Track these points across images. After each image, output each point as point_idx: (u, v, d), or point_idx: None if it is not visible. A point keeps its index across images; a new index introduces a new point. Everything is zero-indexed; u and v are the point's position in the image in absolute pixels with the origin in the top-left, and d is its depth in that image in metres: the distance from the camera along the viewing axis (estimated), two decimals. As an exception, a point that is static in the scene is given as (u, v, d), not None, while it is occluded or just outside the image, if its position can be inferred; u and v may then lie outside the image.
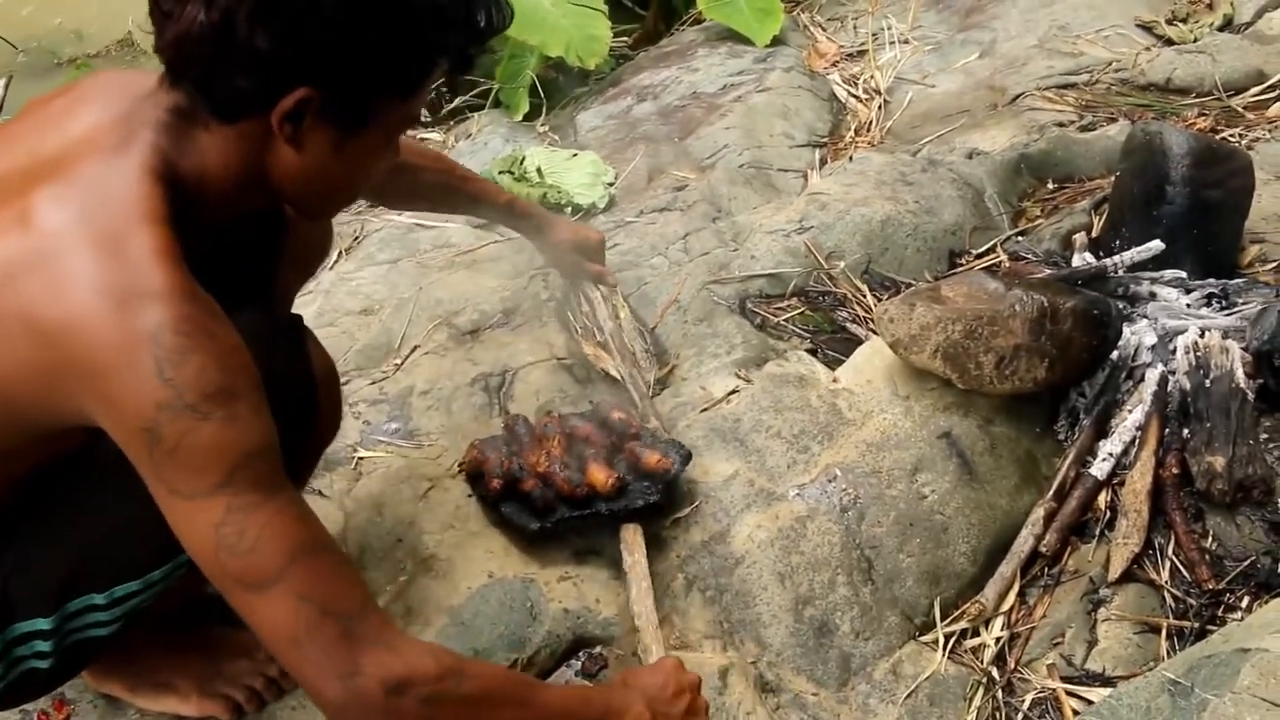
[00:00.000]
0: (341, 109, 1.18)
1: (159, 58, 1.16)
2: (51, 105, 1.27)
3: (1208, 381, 2.06)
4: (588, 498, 1.84)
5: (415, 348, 2.34)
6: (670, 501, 1.92)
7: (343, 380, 2.25)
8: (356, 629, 1.14)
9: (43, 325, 1.09)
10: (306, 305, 2.51)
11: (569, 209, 2.75)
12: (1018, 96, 3.11)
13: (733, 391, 2.14)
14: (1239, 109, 3.06)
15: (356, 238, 2.80)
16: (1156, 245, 2.35)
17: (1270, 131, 2.96)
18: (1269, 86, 3.11)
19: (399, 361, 2.31)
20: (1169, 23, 3.49)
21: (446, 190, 1.92)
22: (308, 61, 1.13)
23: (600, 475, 1.84)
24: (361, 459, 2.07)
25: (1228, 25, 3.50)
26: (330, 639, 1.13)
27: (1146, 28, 3.48)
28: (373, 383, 2.27)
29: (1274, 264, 2.47)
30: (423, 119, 3.97)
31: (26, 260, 1.10)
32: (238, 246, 1.27)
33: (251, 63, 1.11)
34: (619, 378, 2.18)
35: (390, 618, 1.19)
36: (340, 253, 2.74)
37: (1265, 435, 2.04)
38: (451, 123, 3.66)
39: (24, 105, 1.31)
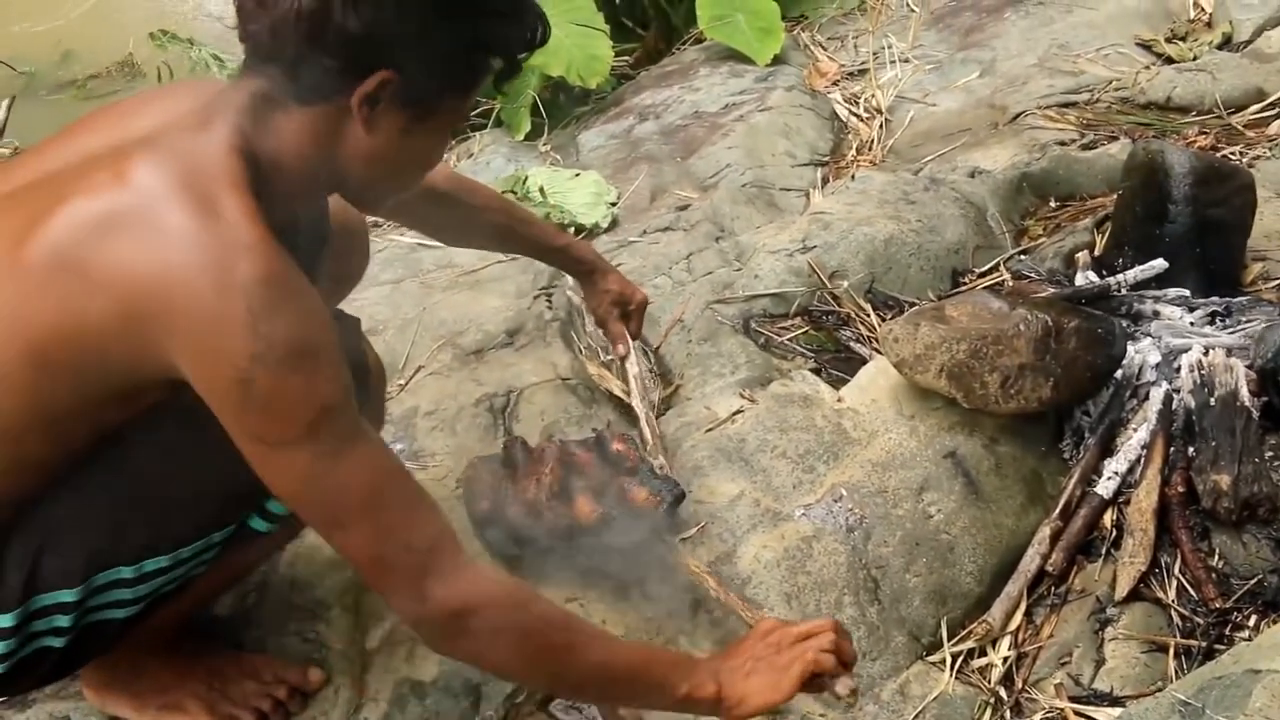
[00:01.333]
0: (414, 94, 1.25)
1: (246, 44, 1.23)
2: (123, 104, 1.36)
3: (1212, 400, 2.06)
4: (568, 529, 1.83)
5: (419, 368, 2.34)
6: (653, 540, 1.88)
7: (347, 401, 2.26)
8: (430, 561, 1.25)
9: (138, 277, 1.14)
10: (310, 326, 2.51)
11: (572, 228, 2.75)
12: (1019, 115, 3.12)
13: (737, 411, 2.14)
14: (1239, 127, 3.07)
15: (359, 258, 2.80)
16: (1159, 264, 2.36)
17: (1271, 149, 2.96)
18: (1269, 104, 3.12)
19: (403, 382, 2.31)
20: (1168, 41, 3.50)
21: (508, 232, 1.95)
22: (392, 45, 1.20)
23: (584, 509, 1.84)
24: (366, 480, 2.07)
25: (1227, 43, 3.51)
26: (406, 568, 1.25)
27: (1146, 46, 3.50)
28: (377, 404, 2.27)
29: (1277, 281, 2.47)
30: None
31: (124, 216, 1.16)
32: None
33: (341, 45, 1.18)
34: (624, 398, 2.18)
35: (462, 550, 1.29)
36: (343, 273, 2.74)
37: (1270, 453, 2.04)
38: (453, 142, 3.66)
39: (86, 114, 1.37)
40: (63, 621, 1.31)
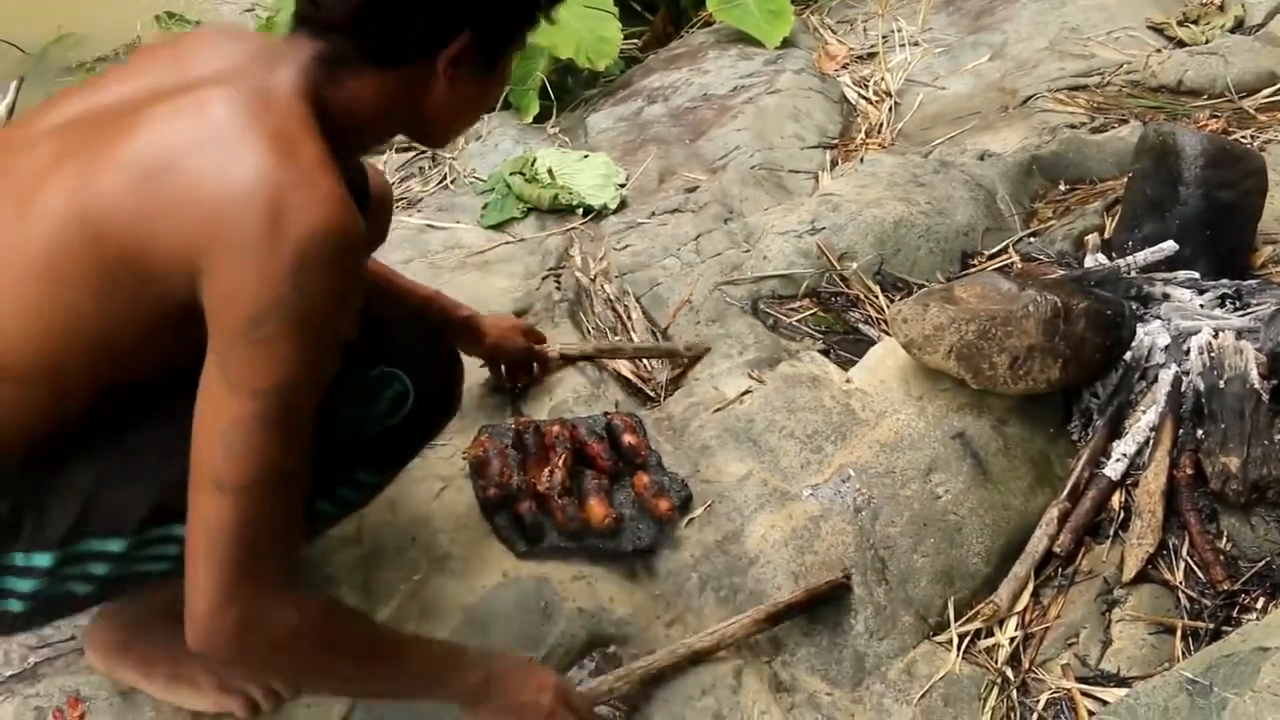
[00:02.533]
0: (492, 48, 1.34)
1: (319, 14, 1.27)
2: (176, 46, 1.37)
3: (1222, 382, 2.05)
4: (580, 531, 1.84)
5: (428, 348, 2.34)
6: (660, 548, 1.89)
7: (355, 380, 2.26)
8: (262, 567, 1.22)
9: (207, 199, 1.17)
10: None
11: (580, 210, 2.75)
12: (1029, 98, 3.11)
13: (746, 392, 2.14)
14: (1251, 111, 3.05)
15: (368, 239, 2.80)
16: (1170, 246, 2.35)
17: (1282, 133, 2.95)
18: (1280, 88, 3.11)
19: (412, 362, 2.31)
20: (1180, 24, 3.48)
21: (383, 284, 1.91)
22: (472, 9, 1.29)
23: (598, 511, 1.84)
24: (375, 459, 2.07)
25: (1239, 27, 3.49)
26: (239, 559, 1.20)
27: (1157, 29, 3.47)
28: (385, 383, 2.27)
29: (1288, 264, 2.47)
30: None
31: (203, 140, 1.19)
32: None
33: (425, 14, 1.26)
34: (632, 379, 2.19)
35: (297, 584, 1.27)
36: (352, 254, 2.74)
37: (1279, 436, 2.03)
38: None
39: (136, 52, 1.41)
40: (100, 570, 1.31)
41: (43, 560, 1.27)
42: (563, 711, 1.50)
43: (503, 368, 2.15)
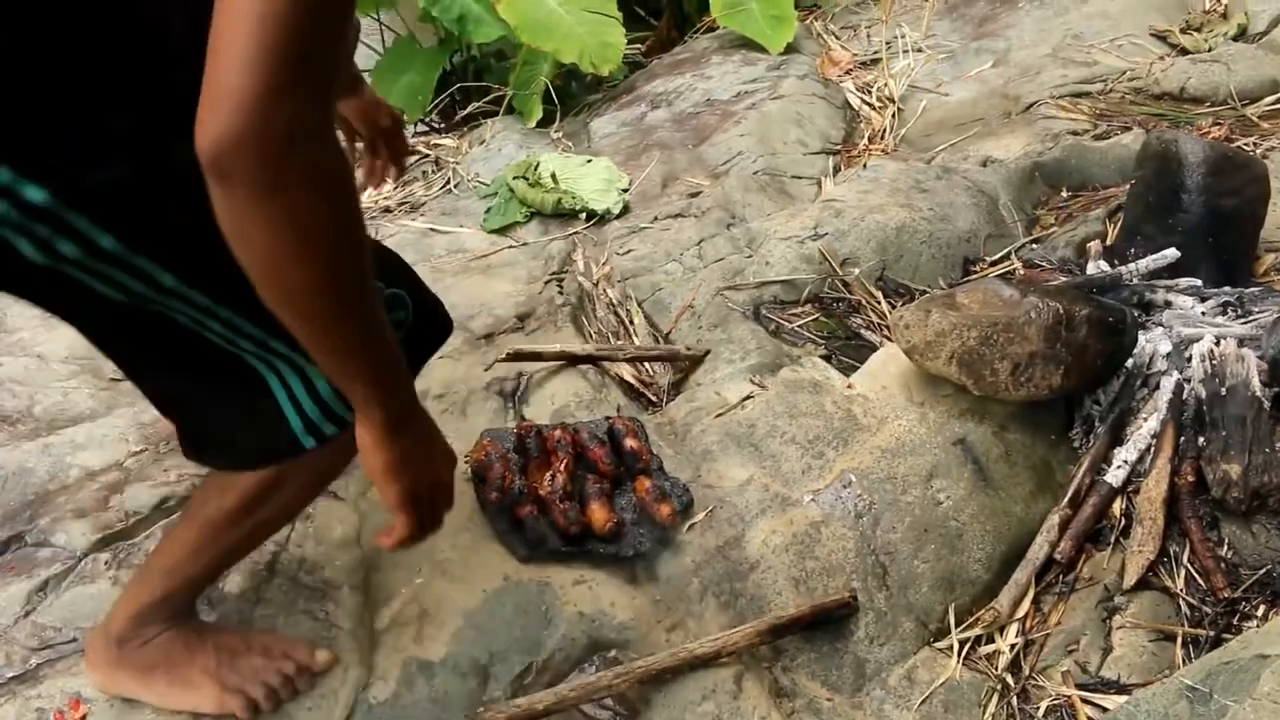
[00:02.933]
0: None
1: None
2: None
3: (1223, 390, 2.05)
4: (581, 535, 1.84)
5: (430, 352, 2.35)
6: (661, 553, 1.89)
7: (358, 384, 2.26)
8: (314, 69, 0.98)
9: None
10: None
11: (583, 214, 2.75)
12: (1032, 105, 3.11)
13: (747, 397, 2.14)
14: (1254, 118, 3.05)
15: (371, 243, 2.81)
16: (1172, 253, 2.36)
17: (1285, 141, 2.95)
18: (1283, 95, 3.11)
19: (414, 366, 2.31)
20: (1183, 32, 3.48)
21: None
22: None
23: (600, 516, 1.84)
24: (377, 462, 2.08)
25: (1242, 35, 3.49)
26: (292, 47, 0.96)
27: (1160, 37, 3.47)
28: (387, 386, 2.27)
29: (1290, 272, 2.47)
30: (436, 125, 4.01)
31: None
32: None
33: None
34: (634, 383, 2.19)
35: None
36: (355, 258, 2.75)
37: (1280, 443, 2.03)
38: (465, 129, 3.67)
39: None
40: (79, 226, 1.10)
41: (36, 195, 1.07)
42: (443, 490, 1.37)
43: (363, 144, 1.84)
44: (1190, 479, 1.99)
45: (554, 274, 2.50)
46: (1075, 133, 2.94)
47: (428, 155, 3.40)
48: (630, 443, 1.97)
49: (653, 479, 1.93)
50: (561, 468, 1.90)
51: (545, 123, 3.45)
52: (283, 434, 1.34)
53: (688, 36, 3.95)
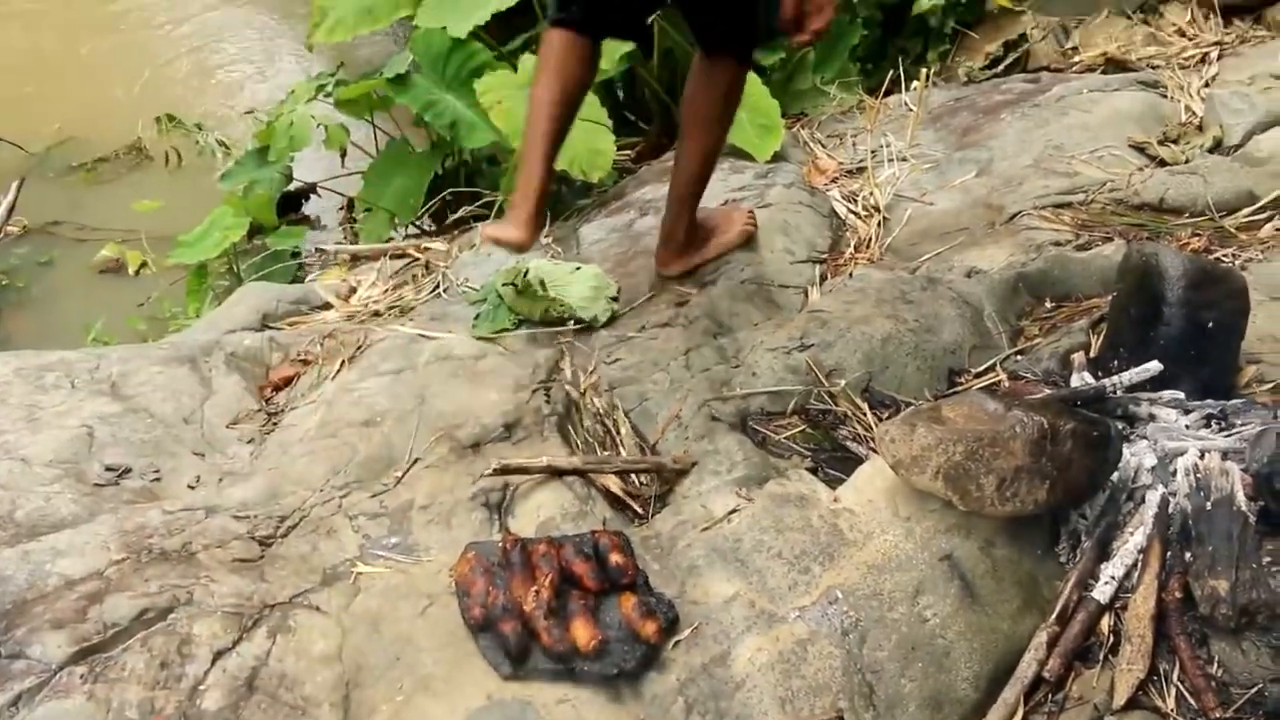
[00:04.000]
0: None
1: None
2: None
3: (1209, 504, 2.06)
4: (566, 653, 1.82)
5: (416, 460, 2.35)
6: (646, 670, 1.87)
7: (342, 493, 2.26)
8: None
9: None
10: (309, 416, 2.53)
11: (572, 322, 2.77)
12: (1015, 215, 3.15)
13: (733, 510, 2.14)
14: (1232, 229, 3.10)
15: (360, 347, 2.82)
16: (1154, 366, 2.37)
17: (1263, 252, 2.99)
18: (1260, 208, 3.16)
19: (400, 475, 2.31)
20: (1160, 143, 3.55)
21: None
22: None
23: (583, 634, 1.83)
24: (360, 574, 2.06)
25: (1217, 147, 3.56)
26: None
27: (1139, 148, 3.54)
28: (373, 496, 2.27)
29: (1271, 384, 2.48)
30: (427, 229, 4.05)
31: None
32: None
33: None
34: (619, 495, 2.19)
35: None
36: (343, 362, 2.76)
37: (1268, 559, 2.02)
38: (456, 232, 3.71)
39: None
40: None
41: None
42: None
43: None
44: (1178, 595, 1.99)
45: (541, 382, 2.51)
46: (1058, 243, 2.99)
47: (418, 259, 3.43)
48: (615, 558, 1.96)
49: (638, 595, 1.91)
50: (546, 583, 1.89)
51: (535, 227, 3.48)
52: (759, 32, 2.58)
53: (677, 143, 3.99)
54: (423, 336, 2.81)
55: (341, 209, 4.70)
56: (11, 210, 4.83)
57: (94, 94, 5.95)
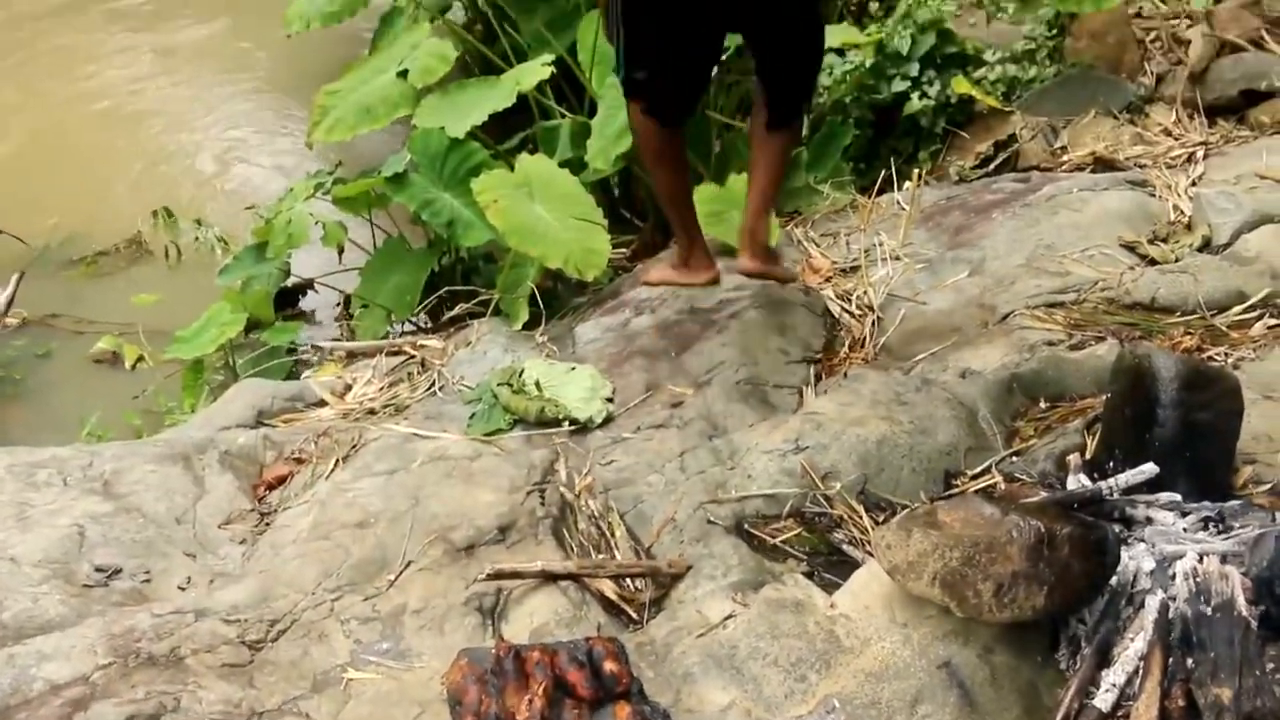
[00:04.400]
0: None
1: None
2: None
3: (1209, 609, 2.04)
4: None
5: (409, 563, 2.33)
6: None
7: (334, 596, 2.25)
8: None
9: None
10: (302, 516, 2.52)
11: (567, 422, 2.77)
12: (1008, 315, 3.17)
13: (729, 616, 2.12)
14: (1223, 328, 3.11)
15: (354, 446, 2.82)
16: (1150, 469, 2.37)
17: (1255, 351, 3.00)
18: (1250, 306, 3.17)
19: (393, 578, 2.30)
20: (1150, 242, 3.58)
21: None
22: None
23: None
24: (351, 680, 2.04)
25: (1206, 245, 3.59)
26: None
27: (1129, 247, 3.57)
28: (365, 599, 2.25)
29: (1268, 485, 2.48)
30: (423, 325, 4.07)
31: None
32: None
33: None
34: (614, 600, 2.17)
35: None
36: (337, 461, 2.76)
37: (1271, 665, 2.00)
38: (451, 330, 3.73)
39: None
40: None
41: None
42: None
43: None
44: (1181, 703, 1.95)
45: (536, 484, 2.51)
46: (1051, 343, 3.00)
47: (414, 356, 3.44)
48: (610, 665, 1.93)
49: (633, 704, 1.88)
50: (540, 692, 1.86)
51: (531, 325, 3.51)
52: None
53: (672, 241, 4.03)
54: (417, 436, 2.81)
55: (338, 305, 4.73)
56: (11, 303, 4.86)
57: (95, 188, 6.02)
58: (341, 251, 4.40)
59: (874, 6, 5.06)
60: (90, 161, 6.33)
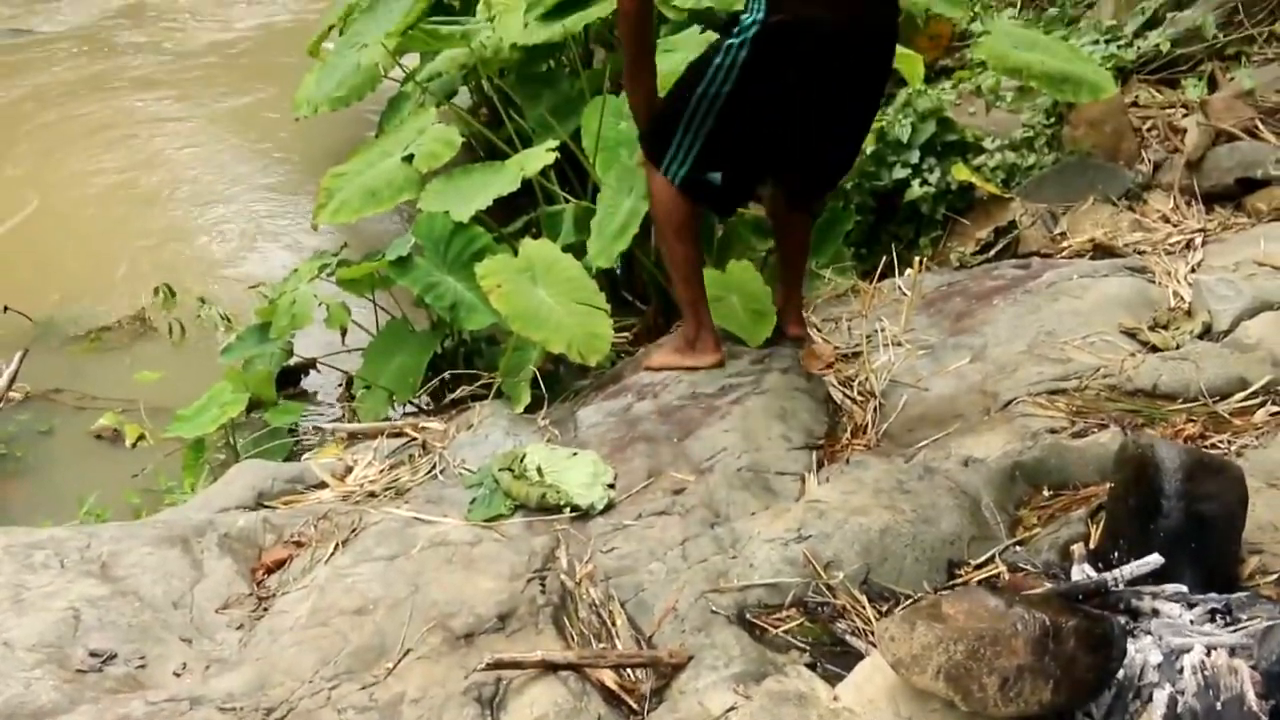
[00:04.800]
0: None
1: None
2: None
3: (1218, 703, 2.01)
4: None
5: (408, 651, 2.31)
6: None
7: (332, 684, 2.22)
8: None
9: None
10: (300, 602, 2.50)
11: (568, 509, 2.76)
12: (1010, 402, 3.17)
13: (731, 708, 2.09)
14: (1226, 415, 3.11)
15: (354, 530, 2.81)
16: (1155, 560, 2.35)
17: (1258, 438, 3.00)
18: (1252, 393, 3.17)
19: (391, 666, 2.27)
20: (1151, 329, 3.59)
21: None
22: None
23: None
24: (347, 773, 2.01)
25: (1207, 332, 3.60)
26: None
27: (1130, 334, 3.57)
28: (363, 688, 2.23)
29: (1275, 575, 2.46)
30: (425, 407, 4.07)
31: None
32: None
33: None
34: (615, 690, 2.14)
35: None
36: (336, 546, 2.74)
37: (1282, 762, 1.98)
38: (453, 412, 3.73)
39: None
40: None
41: None
42: None
43: None
44: (1191, 802, 1.93)
45: (537, 571, 2.49)
46: (1053, 430, 2.99)
47: (415, 439, 3.44)
48: (610, 761, 1.91)
49: (634, 800, 1.86)
50: (539, 789, 1.83)
51: (533, 408, 3.51)
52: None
53: (674, 326, 4.05)
54: (418, 520, 2.80)
55: (340, 385, 4.74)
56: (13, 379, 4.88)
57: (104, 262, 6.09)
58: (344, 333, 4.42)
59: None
60: (101, 235, 6.42)
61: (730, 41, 2.91)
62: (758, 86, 2.92)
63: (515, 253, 3.67)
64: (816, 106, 2.98)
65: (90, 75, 8.66)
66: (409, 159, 4.13)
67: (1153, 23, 5.30)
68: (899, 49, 4.04)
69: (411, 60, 5.35)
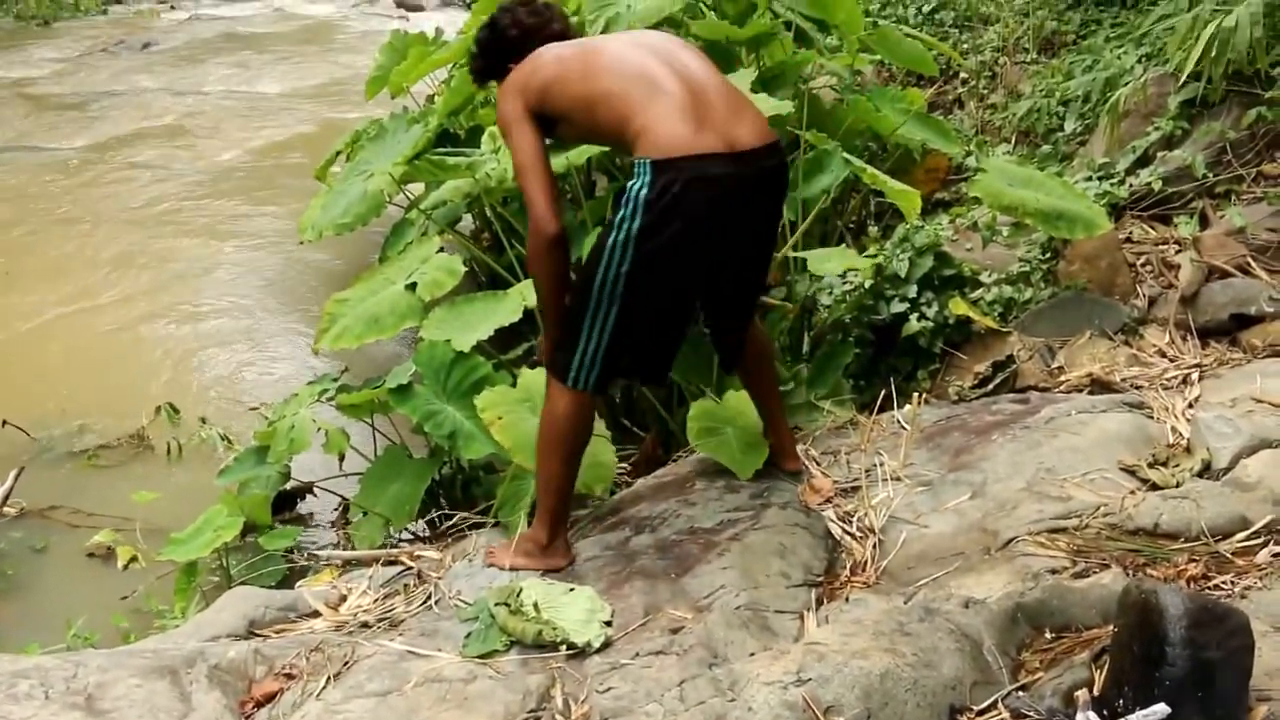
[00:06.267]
0: None
1: None
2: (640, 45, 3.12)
3: None
4: None
5: (398, 796, 2.25)
6: None
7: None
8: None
9: None
10: (289, 741, 2.45)
11: (564, 647, 2.72)
12: (1010, 540, 3.15)
13: None
14: (1228, 555, 3.09)
15: (346, 663, 2.77)
16: (1161, 709, 2.31)
17: (1261, 579, 2.97)
18: (1254, 533, 3.16)
19: (380, 811, 2.21)
20: (1150, 466, 3.58)
21: None
22: None
23: None
24: None
25: (1206, 469, 3.59)
26: None
27: (1130, 471, 3.57)
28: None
29: (1284, 724, 2.42)
30: (421, 535, 4.04)
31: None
32: None
33: None
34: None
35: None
36: (328, 679, 2.70)
37: None
38: (449, 540, 3.70)
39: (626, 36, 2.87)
40: None
41: None
42: None
43: None
44: None
45: (532, 711, 2.44)
46: (1054, 570, 2.97)
47: (411, 567, 3.41)
48: None
49: None
50: None
51: (530, 538, 3.47)
52: None
53: (673, 457, 4.05)
54: (412, 654, 2.76)
55: (336, 510, 4.71)
56: (8, 496, 4.86)
57: (103, 380, 6.11)
58: (342, 458, 4.42)
59: (872, 230, 5.23)
60: (103, 350, 6.46)
61: (621, 214, 2.85)
62: (655, 251, 2.85)
63: (514, 380, 3.68)
64: (715, 255, 2.98)
65: (100, 194, 8.82)
66: (412, 287, 4.18)
67: (1144, 160, 5.41)
68: (896, 184, 4.13)
69: (416, 186, 5.45)
